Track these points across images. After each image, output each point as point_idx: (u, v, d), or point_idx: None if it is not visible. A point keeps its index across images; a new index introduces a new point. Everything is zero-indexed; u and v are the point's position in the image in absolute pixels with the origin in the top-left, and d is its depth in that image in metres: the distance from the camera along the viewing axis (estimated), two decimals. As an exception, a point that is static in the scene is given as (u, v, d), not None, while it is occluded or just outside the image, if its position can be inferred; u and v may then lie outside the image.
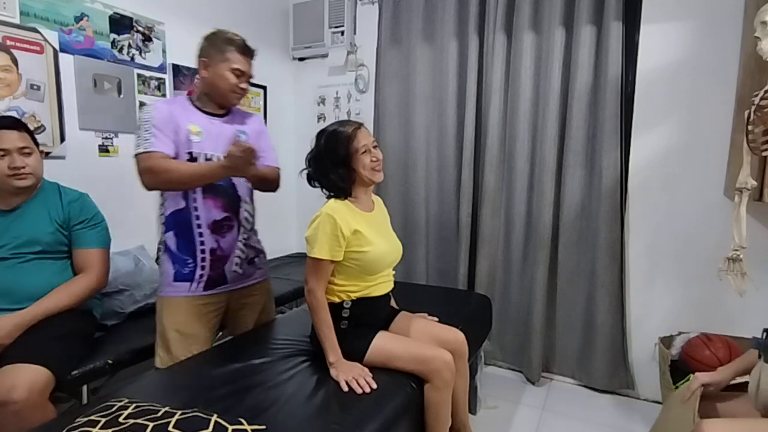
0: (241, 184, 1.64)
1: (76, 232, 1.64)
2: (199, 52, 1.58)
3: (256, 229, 1.76)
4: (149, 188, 1.49)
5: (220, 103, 1.62)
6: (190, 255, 1.57)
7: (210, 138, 1.57)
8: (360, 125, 1.45)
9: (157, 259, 1.70)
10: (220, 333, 1.80)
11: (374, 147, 1.46)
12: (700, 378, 1.37)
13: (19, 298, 1.49)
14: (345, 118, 3.03)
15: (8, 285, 1.50)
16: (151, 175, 1.45)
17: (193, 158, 1.53)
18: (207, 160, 1.54)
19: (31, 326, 1.46)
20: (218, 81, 1.56)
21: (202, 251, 1.58)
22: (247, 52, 1.60)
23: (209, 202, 1.56)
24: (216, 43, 1.56)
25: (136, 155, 1.47)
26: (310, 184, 1.49)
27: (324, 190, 1.48)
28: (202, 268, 1.58)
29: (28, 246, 1.55)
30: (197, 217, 1.56)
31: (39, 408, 1.27)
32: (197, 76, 1.62)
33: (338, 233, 1.36)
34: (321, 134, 1.45)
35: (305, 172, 1.49)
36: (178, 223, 1.56)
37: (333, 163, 1.41)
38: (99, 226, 1.70)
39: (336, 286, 1.45)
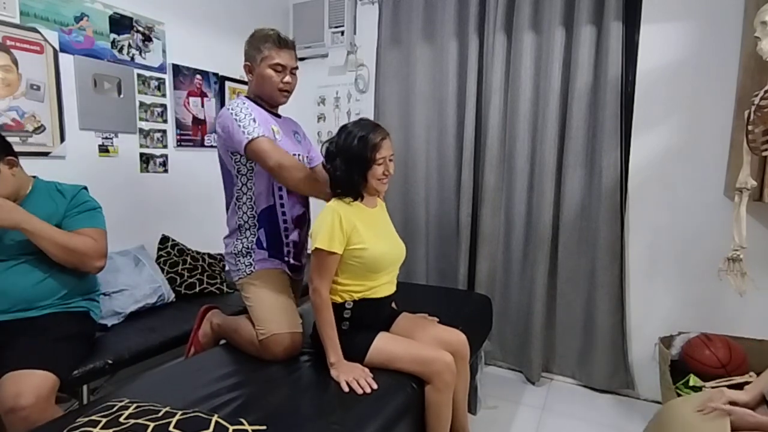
0: None
1: (66, 221, 1.55)
2: (244, 57, 1.62)
3: None
4: (277, 167, 1.47)
5: (269, 103, 1.66)
6: (279, 248, 1.67)
7: (284, 137, 1.65)
8: (387, 135, 1.46)
9: (232, 255, 1.67)
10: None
11: (390, 160, 1.47)
12: (728, 395, 1.25)
13: (10, 301, 1.48)
14: (345, 118, 3.03)
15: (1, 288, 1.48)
16: (284, 155, 1.48)
17: None
18: None
19: (31, 331, 1.44)
20: (263, 82, 1.60)
21: (287, 245, 1.69)
22: (284, 44, 1.59)
23: (293, 197, 1.66)
24: (253, 44, 1.59)
25: (252, 140, 1.46)
26: (324, 167, 1.51)
27: (337, 185, 1.48)
28: (287, 260, 1.69)
29: (17, 248, 1.50)
30: (283, 213, 1.65)
31: (46, 412, 1.27)
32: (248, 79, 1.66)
33: (338, 224, 1.37)
34: (350, 133, 1.42)
35: (326, 149, 1.48)
36: (268, 219, 1.64)
37: (355, 167, 1.42)
38: (93, 211, 1.61)
39: (339, 285, 1.45)
